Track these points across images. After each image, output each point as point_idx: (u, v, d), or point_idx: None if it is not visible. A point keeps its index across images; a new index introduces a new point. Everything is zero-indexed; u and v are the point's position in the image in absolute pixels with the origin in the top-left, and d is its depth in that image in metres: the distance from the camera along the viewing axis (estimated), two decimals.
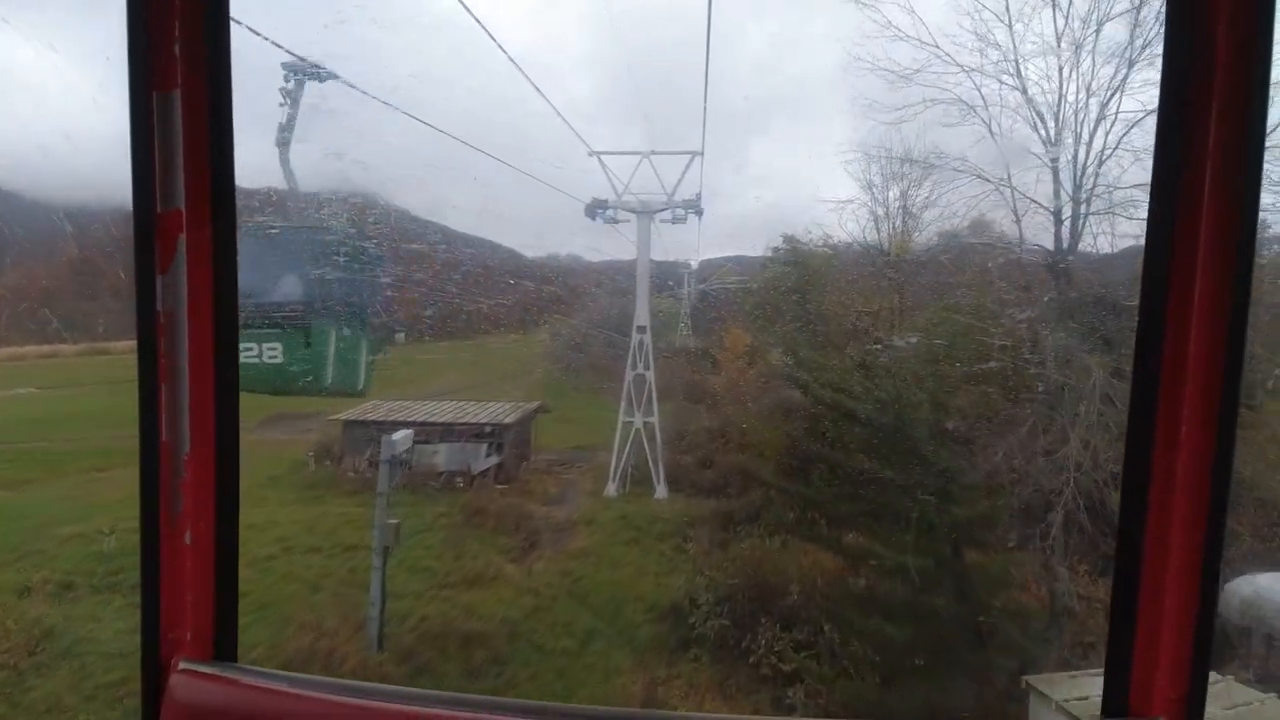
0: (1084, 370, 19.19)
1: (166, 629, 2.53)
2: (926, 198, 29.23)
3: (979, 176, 22.47)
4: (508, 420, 33.69)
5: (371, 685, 2.44)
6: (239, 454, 2.58)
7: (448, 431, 33.74)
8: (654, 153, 33.07)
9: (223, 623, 2.59)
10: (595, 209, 33.47)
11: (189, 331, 2.48)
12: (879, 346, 24.75)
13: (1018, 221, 21.82)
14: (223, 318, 2.51)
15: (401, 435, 21.21)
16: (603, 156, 33.06)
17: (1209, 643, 2.14)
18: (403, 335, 34.98)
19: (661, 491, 31.58)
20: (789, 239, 32.04)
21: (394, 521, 19.93)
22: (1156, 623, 2.17)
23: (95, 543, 25.13)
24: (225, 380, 2.53)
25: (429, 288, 34.29)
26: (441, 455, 33.04)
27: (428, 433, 33.63)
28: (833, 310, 28.88)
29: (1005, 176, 22.35)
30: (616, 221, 33.83)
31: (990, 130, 22.56)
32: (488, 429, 33.49)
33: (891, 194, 30.73)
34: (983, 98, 22.62)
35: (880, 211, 31.14)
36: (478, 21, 26.23)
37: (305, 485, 31.54)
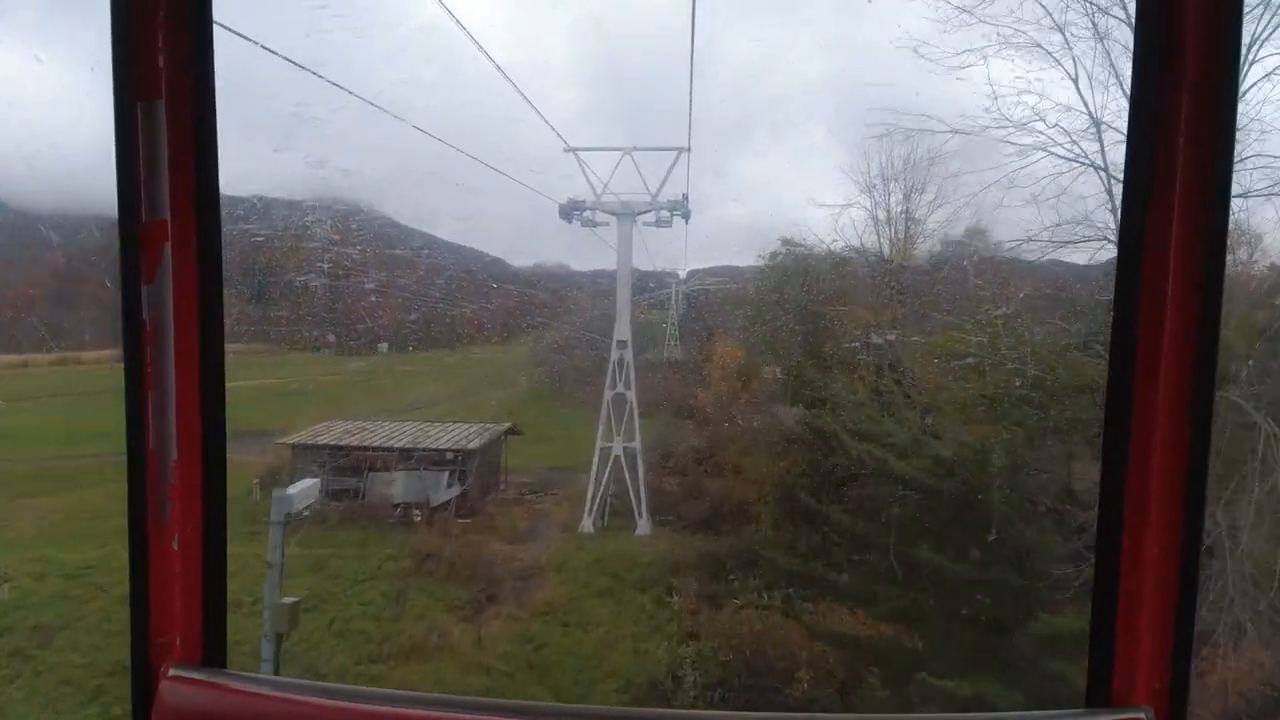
0: (1247, 428, 13.32)
1: (156, 635, 2.41)
2: (932, 200, 24.14)
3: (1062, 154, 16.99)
4: (472, 445, 28.57)
5: (362, 689, 2.36)
6: (226, 461, 2.46)
7: (405, 457, 28.57)
8: (636, 149, 28.07)
9: (212, 628, 2.47)
10: (571, 210, 28.41)
11: (175, 340, 2.37)
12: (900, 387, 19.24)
13: (1114, 210, 16.15)
14: (208, 327, 2.40)
15: (300, 489, 16.10)
16: (580, 154, 27.97)
17: (1191, 633, 2.07)
18: (386, 345, 33.31)
19: (644, 526, 26.51)
20: (788, 242, 26.79)
21: (289, 601, 14.75)
22: (1137, 614, 2.09)
23: None
24: (211, 388, 2.42)
25: (412, 296, 32.45)
26: (398, 485, 28.03)
27: (384, 459, 28.67)
28: (843, 323, 23.62)
29: (1099, 148, 16.72)
30: (595, 224, 28.76)
31: (1077, 84, 17.01)
32: (449, 455, 28.33)
33: (894, 197, 25.58)
34: (1067, 41, 16.99)
35: (882, 215, 26.00)
36: (460, 25, 21.81)
37: (245, 518, 26.03)
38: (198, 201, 2.33)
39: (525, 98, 27.33)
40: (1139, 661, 2.08)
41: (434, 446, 28.90)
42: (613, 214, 28.17)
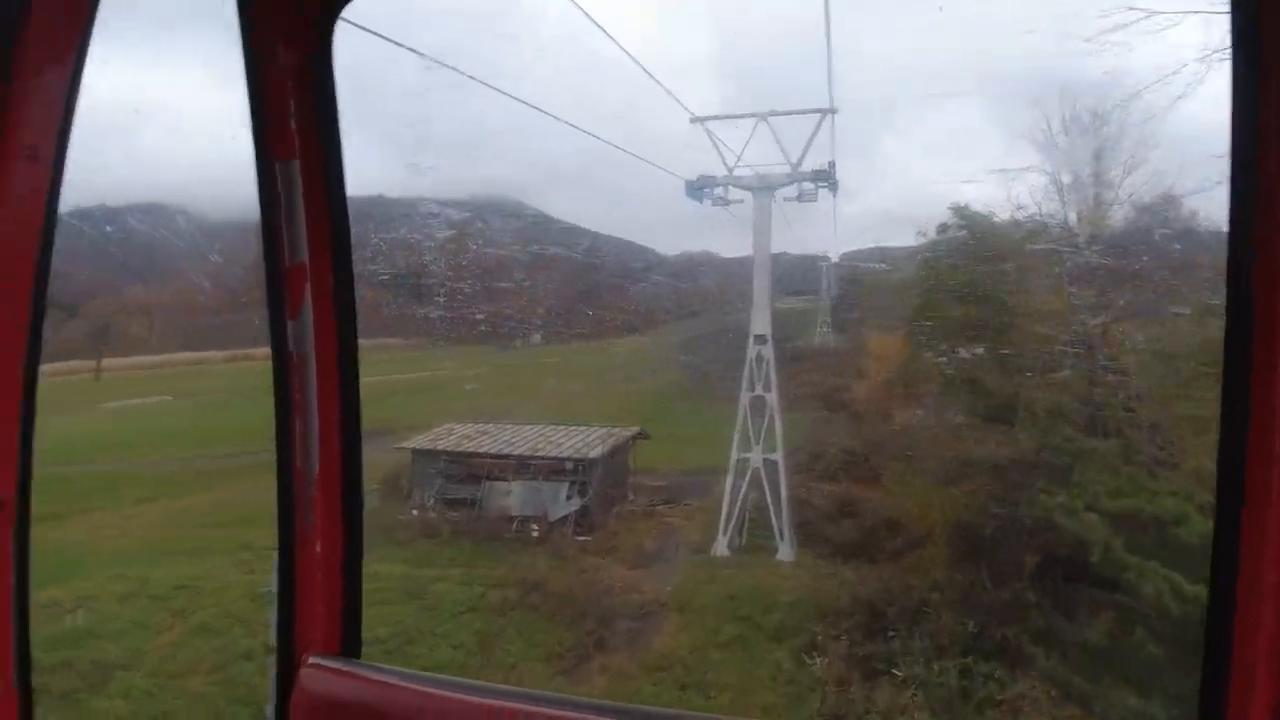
0: None
1: (299, 628, 2.57)
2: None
3: None
4: (593, 454, 24.67)
5: (488, 685, 2.40)
6: (361, 474, 2.63)
7: (523, 465, 24.98)
8: (773, 113, 23.15)
9: (348, 623, 2.63)
10: (700, 187, 23.86)
11: (316, 369, 2.55)
12: None
13: None
14: (345, 356, 2.59)
15: None
16: (710, 124, 23.33)
17: None
18: (539, 336, 33.40)
19: (785, 550, 21.81)
20: (958, 210, 20.90)
21: None
22: (1253, 633, 1.84)
23: (64, 616, 18.12)
24: (349, 410, 2.60)
25: (561, 288, 33.08)
26: (515, 496, 24.58)
27: (502, 467, 25.26)
28: (1033, 310, 17.85)
29: None
30: (728, 202, 24.03)
31: None
32: (569, 464, 24.47)
33: (1081, 155, 19.61)
34: None
35: (1066, 179, 20.00)
36: (595, 24, 19.24)
37: None
38: (332, 246, 2.53)
39: (650, 74, 23.53)
40: (1255, 682, 1.85)
41: (553, 454, 25.20)
42: (747, 189, 23.36)
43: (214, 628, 17.78)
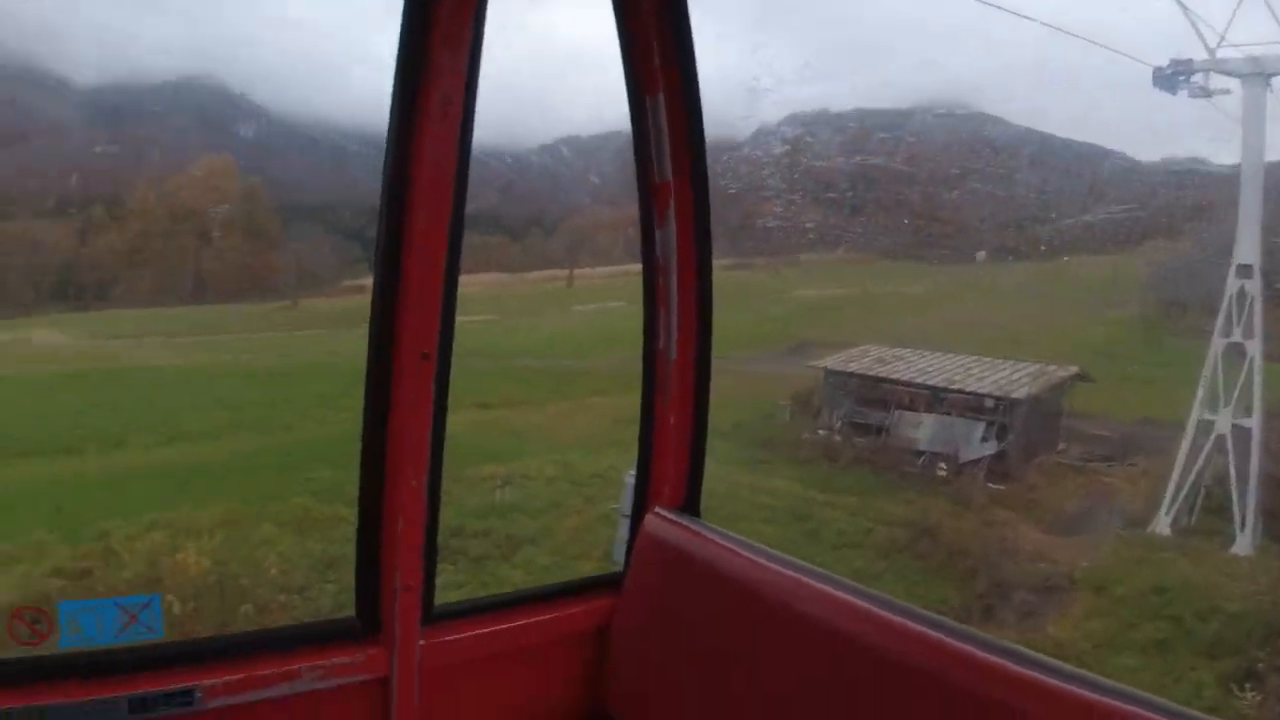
0: None
1: (653, 482, 3.09)
2: None
3: None
4: (1019, 394, 22.15)
5: (821, 570, 2.56)
6: (711, 364, 3.05)
7: (937, 398, 23.43)
8: None
9: (691, 485, 3.13)
10: (1173, 73, 19.33)
11: (678, 271, 2.97)
12: None
13: None
14: (702, 262, 2.99)
15: None
16: None
17: None
18: (983, 254, 30.96)
19: (1244, 542, 17.67)
20: None
21: None
22: None
23: (496, 490, 20.84)
24: (704, 309, 3.03)
25: (1012, 200, 29.49)
26: (924, 430, 23.28)
27: (914, 396, 24.01)
28: None
29: None
30: (1210, 94, 19.21)
31: None
32: (989, 403, 22.36)
33: None
34: None
35: None
36: None
37: (757, 442, 24.09)
38: (691, 168, 2.92)
39: None
40: None
41: (973, 389, 23.13)
42: (1236, 77, 18.27)
43: (613, 518, 19.61)
